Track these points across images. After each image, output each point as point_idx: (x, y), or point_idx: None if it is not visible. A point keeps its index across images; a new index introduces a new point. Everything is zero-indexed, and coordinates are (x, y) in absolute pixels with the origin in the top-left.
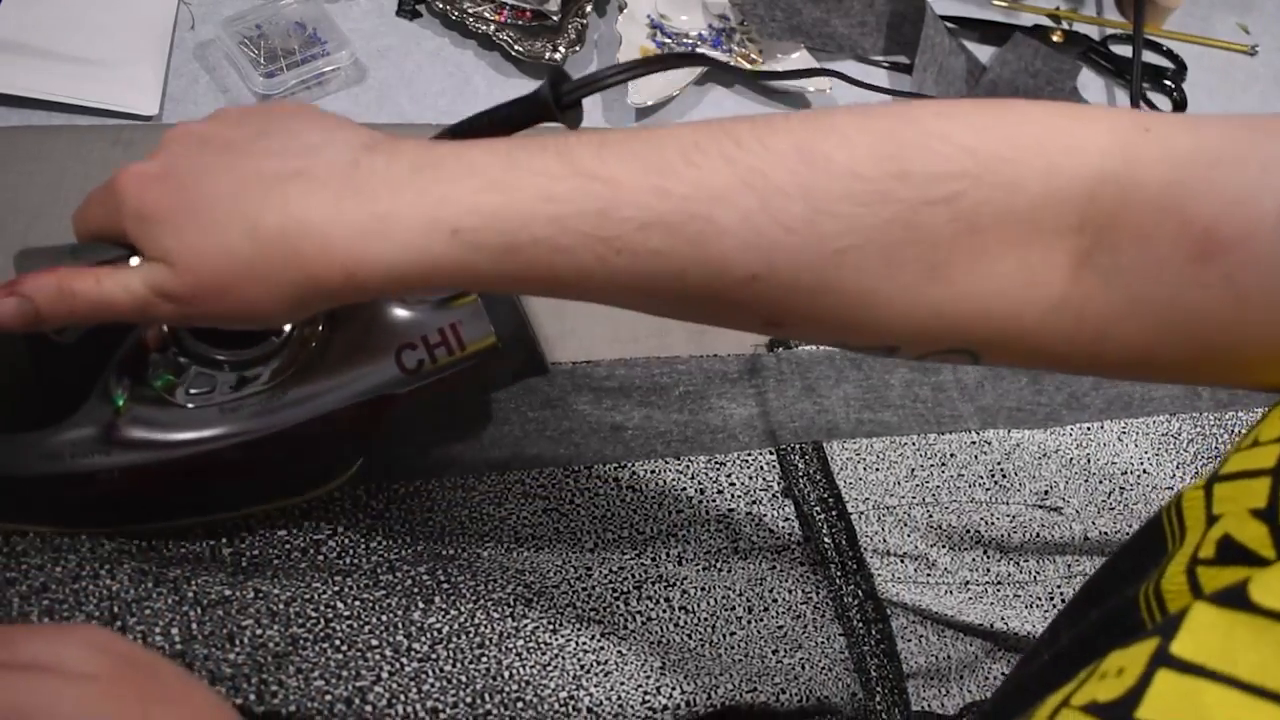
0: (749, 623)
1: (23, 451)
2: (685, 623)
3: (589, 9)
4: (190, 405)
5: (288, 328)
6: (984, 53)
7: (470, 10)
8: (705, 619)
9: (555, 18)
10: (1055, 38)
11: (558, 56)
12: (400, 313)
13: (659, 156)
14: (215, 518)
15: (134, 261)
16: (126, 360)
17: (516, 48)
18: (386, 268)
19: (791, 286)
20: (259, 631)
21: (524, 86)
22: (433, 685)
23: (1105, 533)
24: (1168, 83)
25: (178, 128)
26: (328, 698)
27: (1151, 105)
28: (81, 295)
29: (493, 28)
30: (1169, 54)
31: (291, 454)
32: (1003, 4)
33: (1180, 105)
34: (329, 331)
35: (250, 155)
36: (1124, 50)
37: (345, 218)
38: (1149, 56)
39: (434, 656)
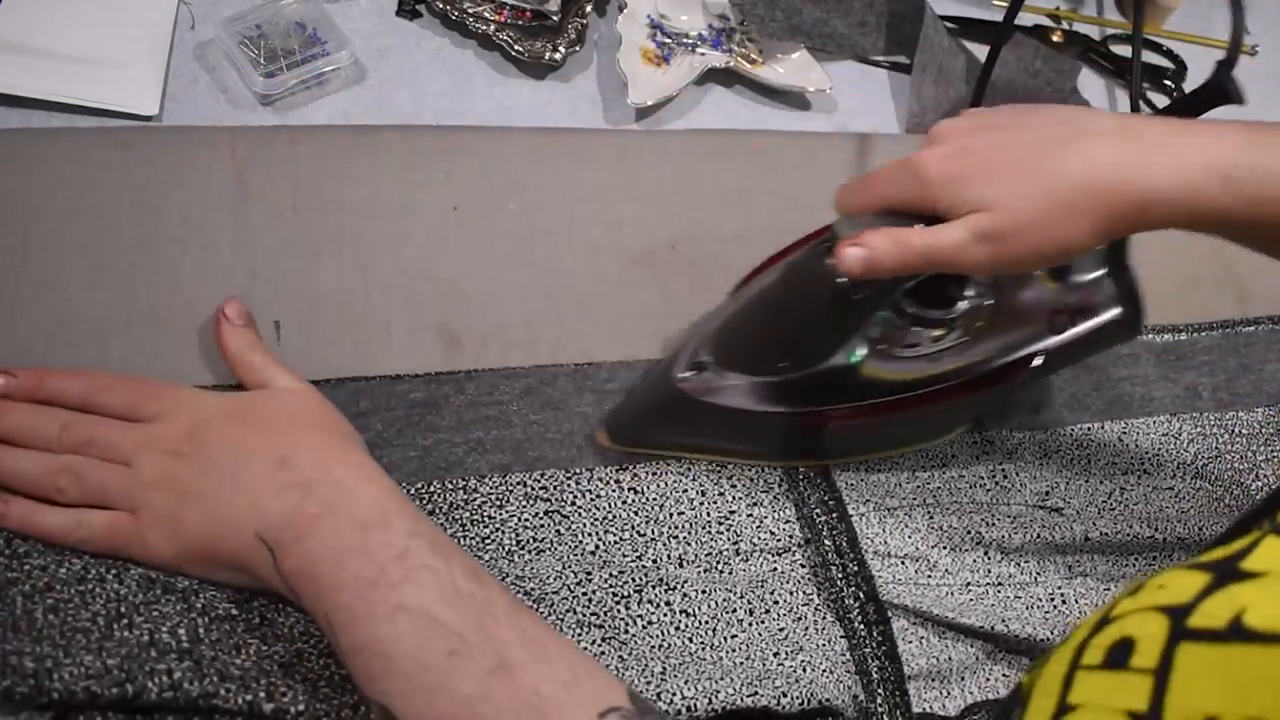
0: (750, 625)
1: (778, 391)
2: (686, 626)
3: (589, 9)
4: (904, 356)
5: (968, 296)
6: (984, 53)
7: (470, 10)
8: (706, 622)
9: (555, 18)
10: (1055, 38)
11: (558, 56)
12: (1052, 284)
13: None
14: (880, 454)
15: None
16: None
17: (516, 48)
18: (1169, 202)
19: None
20: (264, 647)
21: (524, 86)
22: None
23: (1105, 533)
24: (1168, 83)
25: (942, 126)
26: (335, 702)
27: (1151, 106)
28: (912, 245)
29: (493, 28)
30: (1169, 54)
31: (951, 402)
32: (1003, 4)
33: None
34: (996, 299)
35: (1027, 129)
36: (1124, 50)
37: (1135, 162)
38: (1149, 56)
39: None
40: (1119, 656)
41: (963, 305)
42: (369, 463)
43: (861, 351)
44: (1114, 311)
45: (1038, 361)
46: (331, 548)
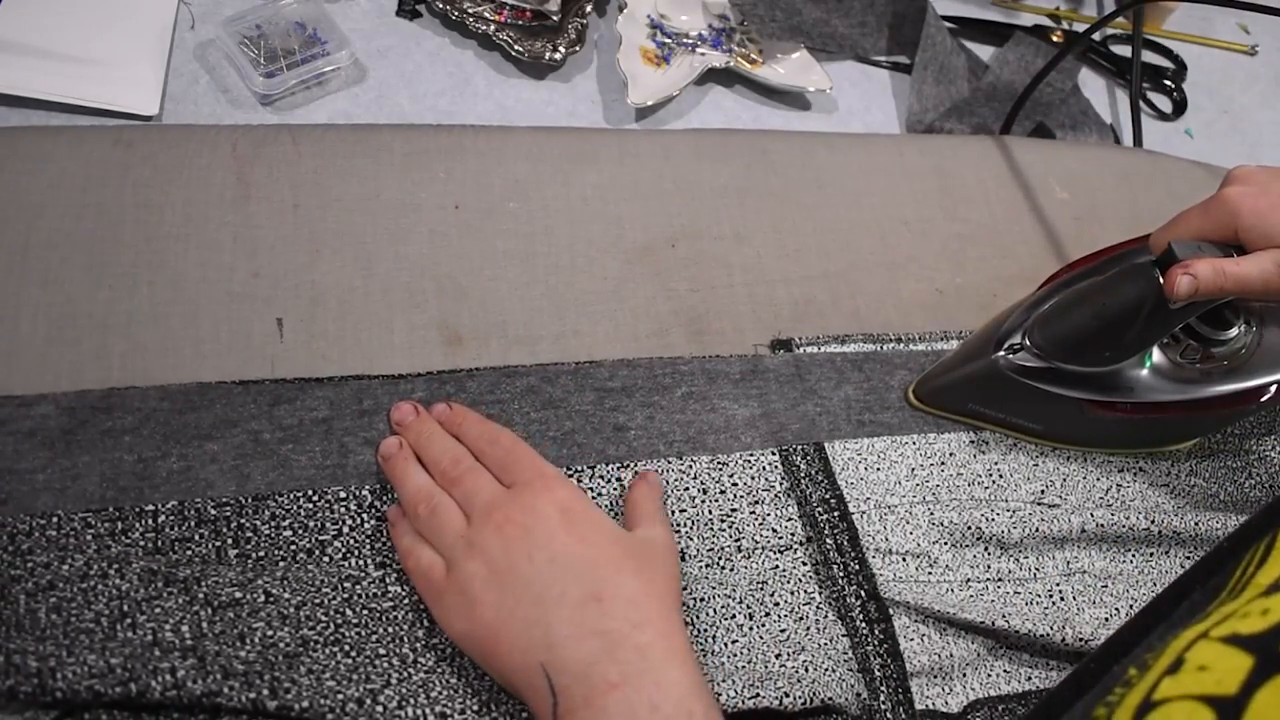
0: (750, 629)
1: (1096, 380)
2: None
3: (589, 9)
4: (1181, 364)
5: (1239, 323)
6: (984, 53)
7: (470, 10)
8: (706, 629)
9: (555, 18)
10: (1055, 38)
11: (558, 56)
12: None
13: None
14: (1135, 450)
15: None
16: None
17: (516, 48)
18: None
19: None
20: (270, 633)
21: (524, 86)
22: (440, 693)
23: (1102, 524)
24: (1168, 83)
25: (1243, 170)
26: (340, 696)
27: (1151, 105)
28: (1227, 273)
29: (493, 28)
30: (1169, 54)
31: (1196, 415)
32: (1003, 4)
33: (1180, 105)
34: (1260, 332)
35: None
36: (1124, 50)
37: None
38: (1149, 56)
39: (439, 670)
40: None
41: (1233, 331)
42: (678, 630)
43: (1154, 356)
44: None
45: (1271, 392)
46: None
